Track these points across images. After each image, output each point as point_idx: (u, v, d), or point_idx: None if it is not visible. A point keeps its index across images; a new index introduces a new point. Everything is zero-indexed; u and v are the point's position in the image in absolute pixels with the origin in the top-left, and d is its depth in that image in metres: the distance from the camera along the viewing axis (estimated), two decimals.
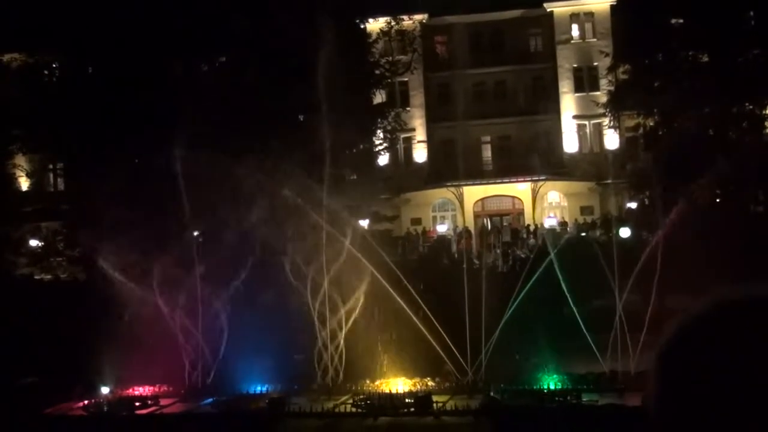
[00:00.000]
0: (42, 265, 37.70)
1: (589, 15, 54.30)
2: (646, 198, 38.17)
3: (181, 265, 24.30)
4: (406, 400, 21.27)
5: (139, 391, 24.09)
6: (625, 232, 33.22)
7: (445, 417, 20.21)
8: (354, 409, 21.24)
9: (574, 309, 22.74)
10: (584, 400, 20.49)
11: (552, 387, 21.56)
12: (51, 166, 47.18)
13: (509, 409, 20.23)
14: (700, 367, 1.48)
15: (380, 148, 45.70)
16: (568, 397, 20.68)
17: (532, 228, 48.88)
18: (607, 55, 46.60)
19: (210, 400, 22.84)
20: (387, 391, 22.15)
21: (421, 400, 21.03)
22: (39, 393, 23.39)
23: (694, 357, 1.50)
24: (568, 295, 22.94)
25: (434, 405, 20.82)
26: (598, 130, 52.64)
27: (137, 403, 22.85)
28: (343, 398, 22.17)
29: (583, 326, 22.49)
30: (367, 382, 23.17)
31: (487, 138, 55.62)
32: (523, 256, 35.15)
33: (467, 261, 26.65)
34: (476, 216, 54.28)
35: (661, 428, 1.52)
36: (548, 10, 54.59)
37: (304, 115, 33.54)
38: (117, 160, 30.78)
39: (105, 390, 23.88)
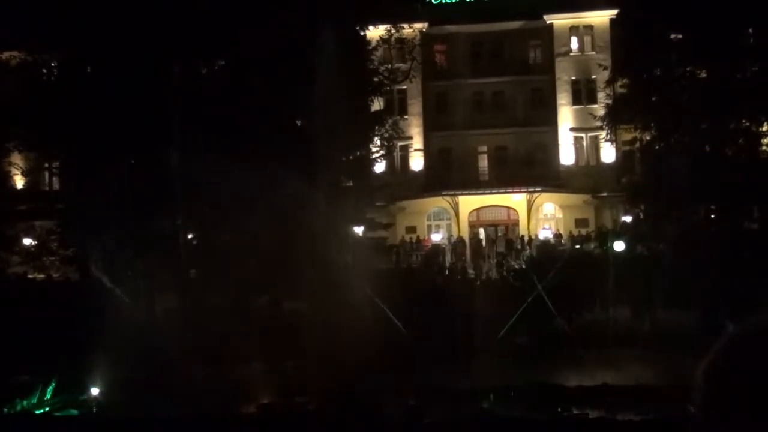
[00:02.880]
0: (35, 264, 37.63)
1: (589, 28, 54.45)
2: (641, 212, 38.22)
3: (175, 267, 24.30)
4: None
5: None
6: (619, 246, 33.19)
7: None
8: None
9: (566, 321, 22.77)
10: (575, 412, 20.46)
11: (542, 399, 21.54)
12: (46, 165, 47.07)
13: (499, 420, 20.18)
14: (753, 381, 1.47)
15: (377, 155, 45.72)
16: (559, 410, 20.66)
17: (526, 239, 48.88)
18: (605, 68, 46.69)
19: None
20: None
21: (411, 409, 20.96)
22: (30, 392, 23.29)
23: (746, 372, 1.49)
24: (560, 307, 22.97)
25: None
26: (595, 143, 52.74)
27: None
28: None
29: (574, 338, 22.52)
30: None
31: (484, 148, 55.66)
32: (516, 266, 35.14)
33: (461, 271, 26.68)
34: (471, 226, 54.27)
35: None
36: (548, 22, 54.70)
37: (302, 120, 33.56)
38: (114, 161, 30.75)
39: (95, 391, 23.79)
